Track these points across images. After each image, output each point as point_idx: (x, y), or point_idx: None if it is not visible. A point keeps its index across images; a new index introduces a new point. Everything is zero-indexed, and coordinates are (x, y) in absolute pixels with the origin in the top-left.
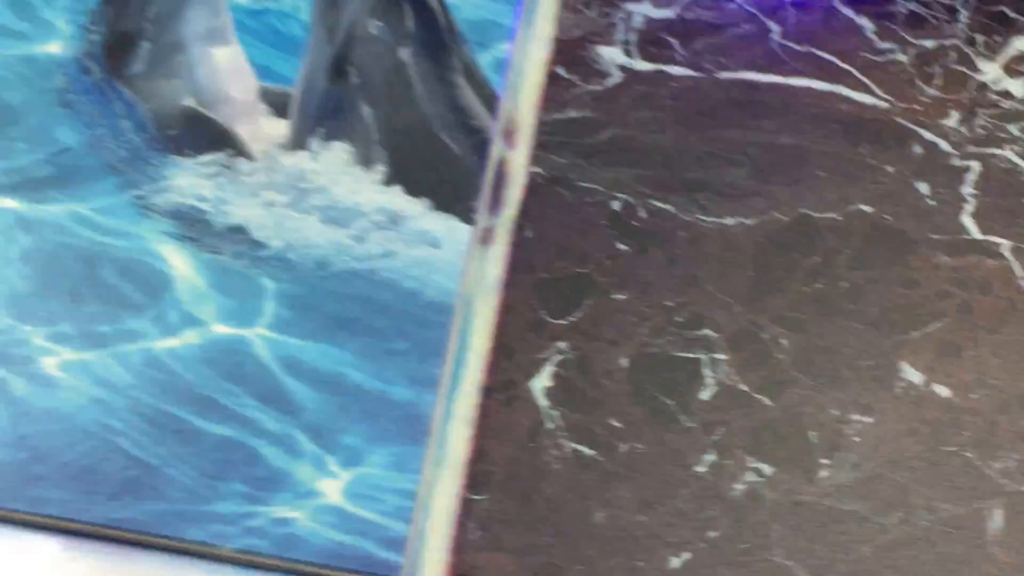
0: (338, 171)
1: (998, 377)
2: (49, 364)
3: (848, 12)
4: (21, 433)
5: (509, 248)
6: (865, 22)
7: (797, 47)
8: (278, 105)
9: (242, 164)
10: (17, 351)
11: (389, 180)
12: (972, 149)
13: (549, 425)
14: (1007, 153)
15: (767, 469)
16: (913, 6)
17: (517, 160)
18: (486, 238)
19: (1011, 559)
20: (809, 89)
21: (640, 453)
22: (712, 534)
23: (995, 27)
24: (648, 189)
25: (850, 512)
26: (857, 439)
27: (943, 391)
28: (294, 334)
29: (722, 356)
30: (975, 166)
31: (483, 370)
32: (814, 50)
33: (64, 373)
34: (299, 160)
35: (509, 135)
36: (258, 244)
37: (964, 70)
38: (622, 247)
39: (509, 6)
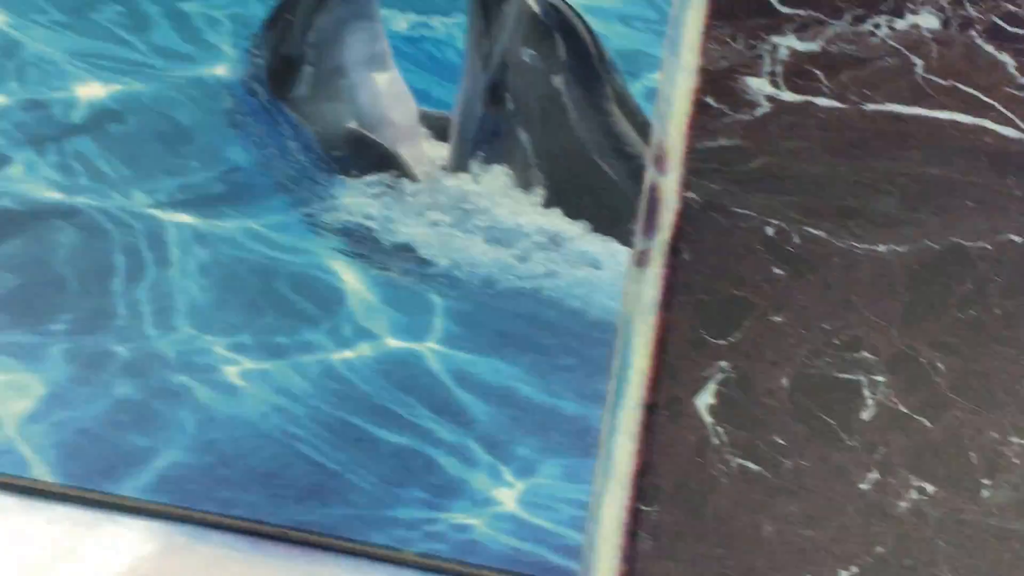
0: (499, 193)
1: None
2: (231, 373)
3: (990, 48)
4: (208, 438)
5: (665, 270)
6: (1007, 58)
7: (941, 81)
8: (437, 129)
9: (406, 185)
10: (200, 360)
11: (548, 203)
12: None
13: (714, 441)
14: None
15: (930, 488)
16: None
17: (668, 186)
18: (642, 260)
19: None
20: (954, 122)
21: (805, 469)
22: (879, 549)
23: None
24: (800, 215)
25: (1014, 531)
26: (1016, 461)
27: None
28: (464, 349)
29: (881, 378)
30: None
31: (645, 387)
32: (958, 84)
33: (245, 382)
34: (461, 182)
35: (660, 161)
36: (425, 262)
37: None
38: (778, 271)
39: (657, 36)
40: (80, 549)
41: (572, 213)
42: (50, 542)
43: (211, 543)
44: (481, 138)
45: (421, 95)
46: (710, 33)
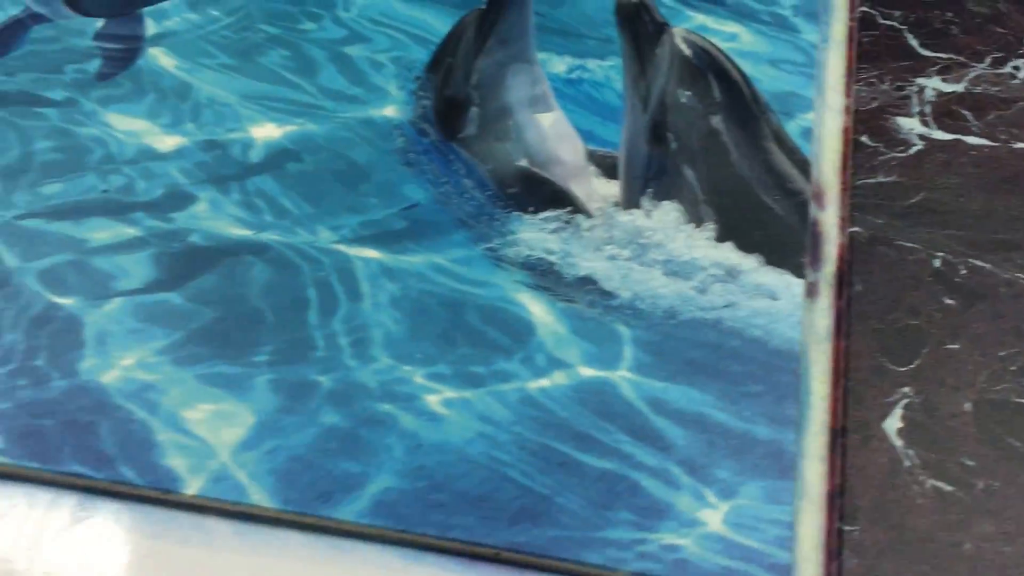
0: (672, 228)
1: None
2: (432, 401)
3: None
4: (417, 464)
5: (838, 301)
6: None
7: None
8: (605, 167)
9: (581, 220)
10: (401, 389)
11: (721, 237)
12: None
13: (906, 463)
14: None
15: None
16: None
17: (829, 220)
18: (812, 291)
19: None
20: None
21: (997, 490)
22: None
23: None
24: (964, 248)
25: None
26: None
27: None
28: (655, 376)
29: None
30: None
31: (830, 412)
32: None
33: (447, 410)
34: (634, 218)
35: (819, 197)
36: (608, 294)
37: None
38: (949, 301)
39: (806, 79)
40: (302, 574)
41: (745, 247)
42: (266, 568)
43: (427, 565)
44: (649, 175)
45: (586, 135)
46: (857, 76)
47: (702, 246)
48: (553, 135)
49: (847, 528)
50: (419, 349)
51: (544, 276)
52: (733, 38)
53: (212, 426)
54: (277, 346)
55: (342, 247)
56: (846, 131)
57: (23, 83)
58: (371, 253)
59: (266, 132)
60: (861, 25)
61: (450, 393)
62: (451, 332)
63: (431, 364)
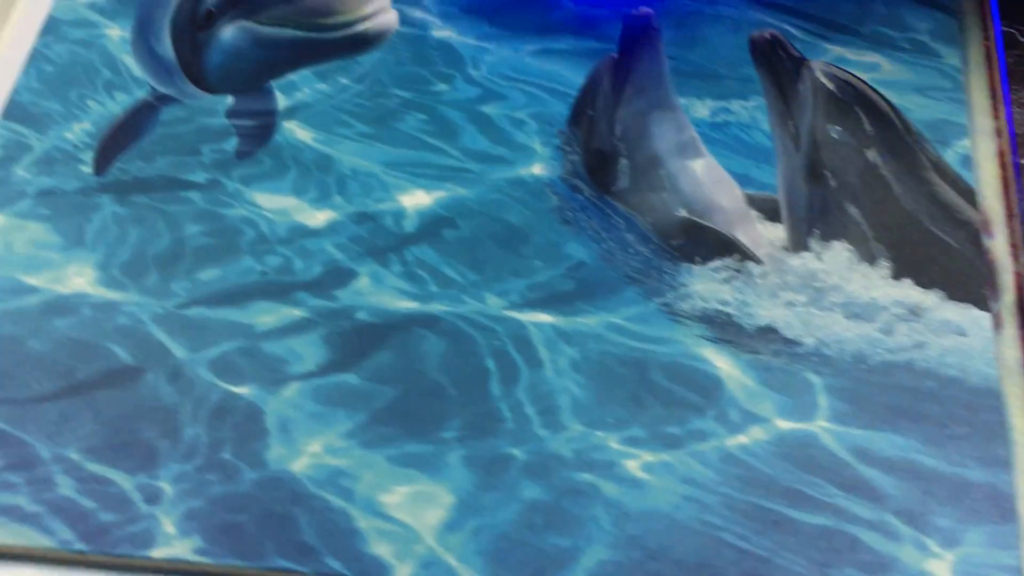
0: (845, 269)
1: None
2: (632, 467)
3: None
4: (628, 533)
5: (1021, 330)
6: None
7: None
8: (767, 210)
9: (752, 268)
10: (598, 456)
11: (897, 274)
12: None
13: None
14: None
15: None
16: None
17: (999, 248)
18: (997, 323)
19: None
20: None
21: None
22: None
23: None
24: None
25: None
26: None
27: None
28: (854, 424)
29: None
30: None
31: None
32: None
33: (649, 474)
34: (805, 261)
35: (986, 225)
36: (792, 342)
37: None
38: None
39: (956, 104)
40: None
41: (923, 283)
42: None
43: None
44: (813, 216)
45: (741, 179)
46: (1012, 97)
47: (880, 285)
48: (708, 181)
49: None
50: (609, 413)
51: (724, 328)
52: (874, 68)
53: (412, 509)
54: (464, 420)
55: (513, 313)
56: (1000, 154)
57: (163, 167)
58: (544, 317)
59: (416, 200)
60: (1006, 44)
61: (648, 457)
62: (639, 393)
63: (624, 428)
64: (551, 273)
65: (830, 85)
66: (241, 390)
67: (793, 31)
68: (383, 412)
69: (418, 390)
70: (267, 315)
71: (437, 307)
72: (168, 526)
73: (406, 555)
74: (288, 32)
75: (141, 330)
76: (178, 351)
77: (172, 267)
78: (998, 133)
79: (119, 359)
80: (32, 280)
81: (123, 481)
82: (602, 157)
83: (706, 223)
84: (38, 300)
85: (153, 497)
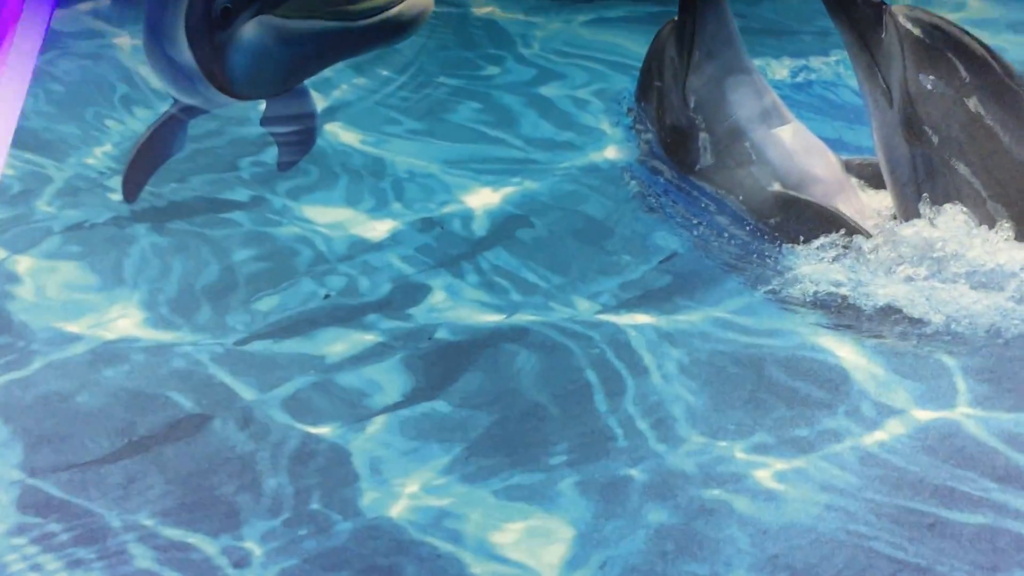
0: (963, 234)
1: None
2: (764, 477)
3: None
4: (768, 553)
5: None
6: None
7: None
8: (867, 176)
9: (861, 242)
10: (725, 469)
11: (1021, 235)
12: None
13: None
14: None
15: None
16: None
17: None
18: None
19: None
20: None
21: None
22: None
23: None
24: None
25: None
26: None
27: None
28: (1000, 408)
29: None
30: None
31: None
32: None
33: (782, 484)
34: (918, 229)
35: None
36: (918, 321)
37: None
38: None
39: None
40: None
41: None
42: None
43: None
44: (919, 178)
45: (834, 143)
46: None
47: (1004, 249)
48: (799, 149)
49: None
50: (729, 419)
51: (841, 313)
52: (961, 6)
53: (529, 547)
54: (571, 442)
55: (608, 317)
56: None
57: (199, 188)
58: (643, 318)
59: (483, 199)
60: None
61: (780, 465)
62: (758, 394)
63: (748, 434)
64: (643, 268)
65: (916, 31)
66: (321, 430)
67: None
68: (481, 441)
69: (516, 413)
70: (337, 343)
71: (524, 317)
72: None
73: None
74: (315, 23)
75: (201, 373)
76: (245, 393)
77: (225, 299)
78: None
79: (182, 408)
80: (72, 327)
81: (205, 545)
82: (679, 133)
83: (803, 197)
84: (82, 349)
85: (241, 560)
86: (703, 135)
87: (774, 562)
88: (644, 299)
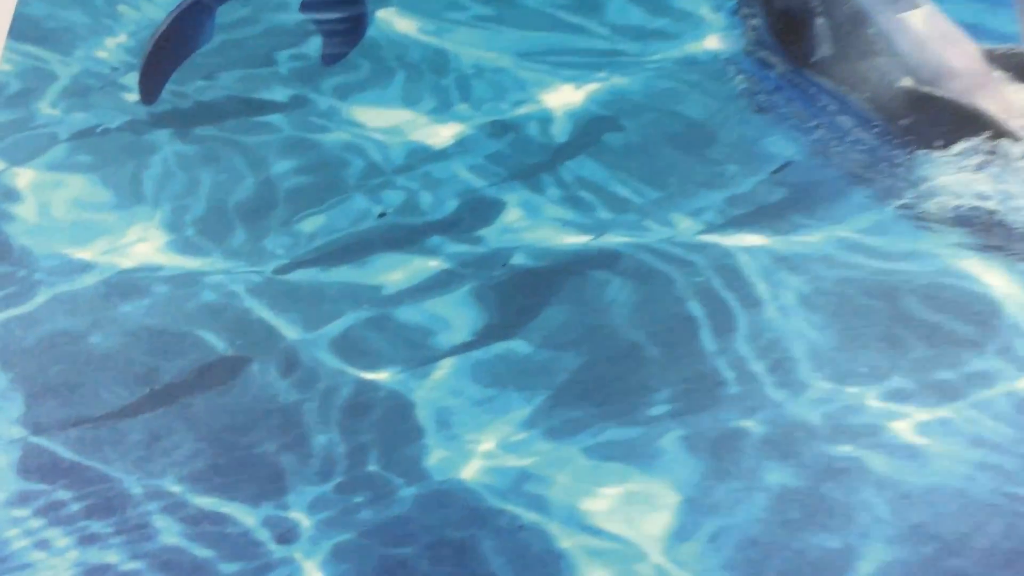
0: None
1: None
2: (902, 429)
3: None
4: (911, 522)
5: None
6: None
7: None
8: (1014, 67)
9: (1008, 147)
10: (857, 420)
11: None
12: None
13: None
14: None
15: None
16: None
17: None
18: None
19: None
20: None
21: None
22: None
23: None
24: None
25: None
26: None
27: None
28: None
29: None
30: None
31: None
32: None
33: (925, 437)
34: None
35: None
36: None
37: None
38: None
39: None
40: None
41: None
42: None
43: None
44: None
45: (973, 30)
46: None
47: None
48: (933, 36)
49: None
50: (860, 360)
51: (988, 232)
52: None
53: (627, 516)
54: (674, 389)
55: (714, 237)
56: None
57: (230, 86)
58: (754, 239)
59: (564, 98)
60: None
61: (922, 415)
62: (894, 330)
63: (883, 379)
64: (753, 180)
65: None
66: (379, 376)
67: None
68: (568, 388)
69: (608, 354)
70: (396, 271)
71: (614, 239)
72: (312, 572)
73: None
74: None
75: (235, 307)
76: (288, 331)
77: (263, 219)
78: None
79: (213, 349)
80: (82, 253)
81: (243, 516)
82: (791, 19)
83: (939, 92)
84: (95, 280)
85: (286, 534)
86: (820, 20)
87: (918, 532)
88: (755, 216)
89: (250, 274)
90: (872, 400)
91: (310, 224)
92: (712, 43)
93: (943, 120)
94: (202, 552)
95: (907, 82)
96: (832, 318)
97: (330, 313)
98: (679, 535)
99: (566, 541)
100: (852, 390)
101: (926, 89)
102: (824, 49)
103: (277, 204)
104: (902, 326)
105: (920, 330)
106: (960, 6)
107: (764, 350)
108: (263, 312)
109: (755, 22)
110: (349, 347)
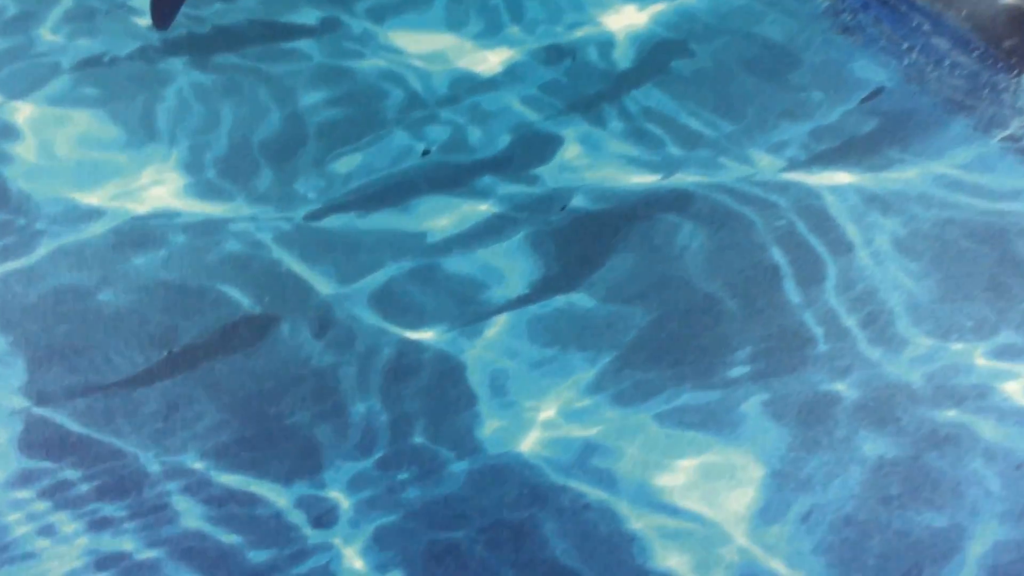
0: None
1: None
2: (1013, 392)
3: None
4: None
5: None
6: None
7: None
8: None
9: None
10: (962, 381)
11: None
12: None
13: None
14: None
15: None
16: None
17: None
18: None
19: None
20: None
21: None
22: None
23: None
24: None
25: None
26: None
27: None
28: None
29: None
30: None
31: None
32: None
33: None
34: None
35: None
36: None
37: None
38: None
39: None
40: None
41: None
42: None
43: None
44: None
45: None
46: None
47: None
48: None
49: None
50: (964, 312)
51: None
52: None
53: (706, 492)
54: (756, 347)
55: (798, 175)
56: None
57: (253, 8)
58: (842, 177)
59: (626, 19)
60: None
61: None
62: (1002, 278)
63: (991, 333)
64: (841, 109)
65: None
66: (424, 335)
67: None
68: (637, 348)
69: (681, 308)
70: (442, 217)
71: (686, 178)
72: (353, 559)
73: (711, 565)
74: None
75: (263, 259)
76: (322, 285)
77: (292, 158)
78: None
79: (238, 307)
80: (90, 198)
81: (274, 496)
82: None
83: None
84: (104, 228)
85: (324, 516)
86: None
87: None
88: (843, 151)
89: (278, 221)
90: (979, 358)
91: (345, 164)
92: None
93: None
94: (228, 538)
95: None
96: (932, 265)
97: (368, 264)
98: (765, 514)
99: (638, 522)
100: (957, 347)
101: None
102: None
103: (307, 142)
104: (1011, 273)
105: None
106: None
107: (856, 302)
108: (293, 264)
109: None
110: (390, 303)
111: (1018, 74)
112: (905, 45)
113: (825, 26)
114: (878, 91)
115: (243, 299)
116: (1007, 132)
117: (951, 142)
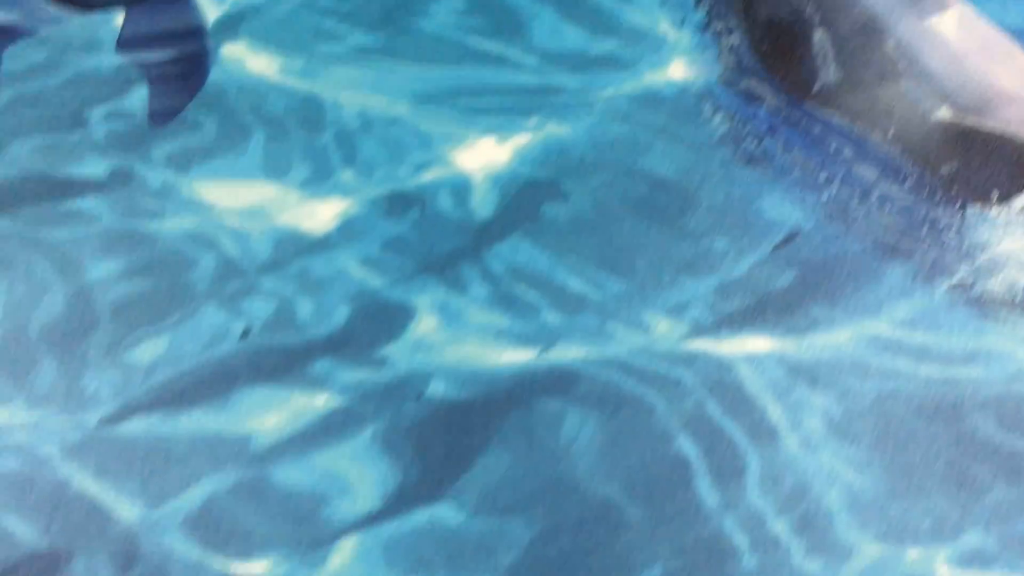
0: None
1: None
2: None
3: None
4: None
5: None
6: None
7: None
8: None
9: None
10: None
11: None
12: None
13: None
14: None
15: None
16: None
17: None
18: None
19: None
20: None
21: None
22: None
23: None
24: None
25: None
26: None
27: None
28: None
29: None
30: None
31: None
32: None
33: None
34: None
35: None
36: None
37: None
38: None
39: None
40: None
41: None
42: None
43: None
44: None
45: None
46: None
47: None
48: (972, 49)
49: None
50: (918, 509)
51: None
52: None
53: None
54: (667, 565)
55: (704, 343)
56: None
57: (26, 159)
58: (759, 343)
59: (484, 156)
60: None
61: None
62: (960, 463)
63: (953, 534)
64: (750, 259)
65: None
66: (255, 568)
67: None
68: (520, 570)
69: (571, 518)
70: (269, 413)
71: (568, 353)
72: None
73: None
74: None
75: (48, 478)
76: (124, 509)
77: (80, 347)
78: None
79: (18, 542)
80: None
81: None
82: (781, 34)
83: (988, 125)
84: None
85: None
86: (820, 34)
87: None
88: (758, 311)
89: (66, 428)
90: (942, 565)
91: (146, 352)
92: (678, 71)
93: (997, 162)
94: None
95: (944, 113)
96: (875, 451)
97: (181, 480)
98: None
99: None
100: (913, 554)
101: (970, 121)
102: (828, 73)
103: (98, 325)
104: (972, 457)
105: (999, 461)
106: (996, 5)
107: (787, 502)
108: (87, 483)
109: (733, 40)
110: (210, 527)
111: (961, 207)
112: (823, 176)
113: (725, 156)
114: (794, 235)
115: (25, 531)
116: (954, 280)
117: (887, 295)
